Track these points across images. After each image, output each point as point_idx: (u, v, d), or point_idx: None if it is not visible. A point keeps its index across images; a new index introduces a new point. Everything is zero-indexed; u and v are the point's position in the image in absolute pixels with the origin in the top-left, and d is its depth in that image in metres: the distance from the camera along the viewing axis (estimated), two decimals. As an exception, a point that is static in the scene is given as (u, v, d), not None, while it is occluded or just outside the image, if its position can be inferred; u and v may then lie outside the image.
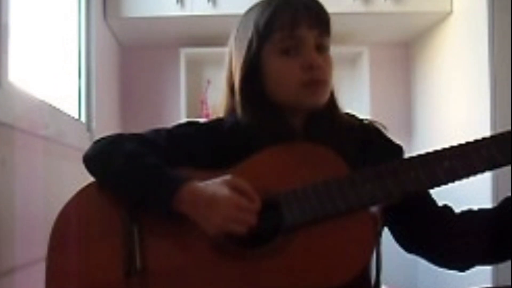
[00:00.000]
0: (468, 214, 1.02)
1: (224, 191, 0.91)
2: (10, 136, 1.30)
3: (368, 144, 1.06)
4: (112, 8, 2.48)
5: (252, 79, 1.03)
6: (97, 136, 2.28)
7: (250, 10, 1.08)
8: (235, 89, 1.06)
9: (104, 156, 1.00)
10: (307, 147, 1.00)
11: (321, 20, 1.03)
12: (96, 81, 2.30)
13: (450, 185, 0.94)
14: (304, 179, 0.95)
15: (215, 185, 0.92)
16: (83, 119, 2.23)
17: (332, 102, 1.07)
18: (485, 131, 2.12)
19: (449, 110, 2.58)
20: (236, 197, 0.91)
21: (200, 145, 1.03)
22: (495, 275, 2.04)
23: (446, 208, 1.05)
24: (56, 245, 0.96)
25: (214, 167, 0.98)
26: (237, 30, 1.09)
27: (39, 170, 1.47)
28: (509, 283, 1.97)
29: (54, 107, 1.75)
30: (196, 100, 2.86)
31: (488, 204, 2.06)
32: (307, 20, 1.00)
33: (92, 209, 0.99)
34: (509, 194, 0.98)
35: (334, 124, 1.05)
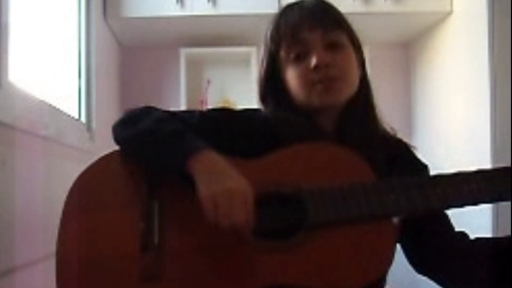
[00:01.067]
0: (483, 242, 1.02)
1: (243, 178, 0.88)
2: (10, 136, 1.30)
3: (396, 158, 1.06)
4: (112, 8, 2.48)
5: (275, 89, 1.05)
6: (97, 136, 2.28)
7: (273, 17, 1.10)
8: (259, 98, 1.09)
9: (130, 121, 0.99)
10: (336, 149, 0.99)
11: (324, 18, 1.02)
12: (96, 81, 2.30)
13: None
14: (329, 179, 0.94)
15: (236, 170, 0.89)
16: (83, 119, 2.23)
17: (366, 106, 1.06)
18: (485, 131, 2.12)
19: (449, 110, 2.58)
20: (249, 190, 0.86)
21: (230, 132, 1.02)
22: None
23: (463, 235, 1.05)
24: (71, 210, 0.94)
25: (241, 155, 0.96)
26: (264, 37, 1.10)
27: (39, 170, 1.47)
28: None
29: (54, 107, 1.75)
30: (196, 100, 2.86)
31: (488, 223, 2.06)
32: (309, 22, 1.00)
33: (112, 178, 0.97)
34: (509, 212, 0.98)
35: (366, 130, 1.04)
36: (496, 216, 2.05)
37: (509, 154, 1.98)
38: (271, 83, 1.06)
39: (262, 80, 1.07)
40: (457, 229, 1.06)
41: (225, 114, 1.06)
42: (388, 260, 0.90)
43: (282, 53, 1.03)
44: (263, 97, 1.08)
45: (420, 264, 1.06)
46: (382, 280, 0.99)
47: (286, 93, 1.04)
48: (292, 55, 1.02)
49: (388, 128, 1.09)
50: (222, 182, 0.85)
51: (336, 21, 1.03)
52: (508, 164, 0.96)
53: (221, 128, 1.02)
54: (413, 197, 0.92)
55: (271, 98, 1.07)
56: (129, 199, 0.95)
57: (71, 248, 0.91)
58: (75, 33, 2.22)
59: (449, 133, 2.54)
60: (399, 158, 1.07)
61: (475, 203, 0.93)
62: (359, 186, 0.93)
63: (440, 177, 0.95)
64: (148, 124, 0.96)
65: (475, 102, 2.29)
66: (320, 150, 0.99)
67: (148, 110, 1.01)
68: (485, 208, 2.01)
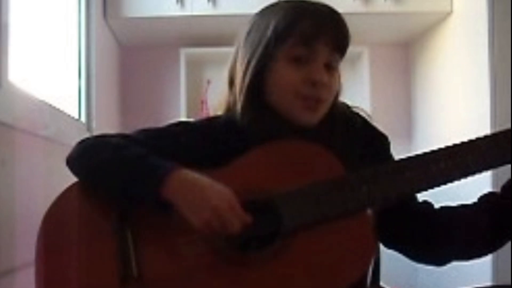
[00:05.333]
0: (447, 209, 1.02)
1: (218, 186, 0.89)
2: (10, 136, 1.30)
3: (354, 134, 1.06)
4: (112, 8, 2.48)
5: (260, 79, 1.01)
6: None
7: (267, 10, 1.05)
8: (237, 87, 1.04)
9: (89, 153, 0.97)
10: (300, 145, 0.98)
11: (339, 40, 1.01)
12: (96, 81, 2.30)
13: (450, 184, 0.94)
14: (299, 179, 0.93)
15: (207, 179, 0.90)
16: (83, 119, 2.23)
17: (333, 104, 1.05)
18: (485, 131, 2.10)
19: (449, 110, 2.58)
20: (229, 193, 0.88)
21: (190, 144, 1.00)
22: (495, 275, 2.04)
23: (426, 204, 1.06)
24: (45, 249, 0.92)
25: (205, 166, 0.95)
26: (251, 28, 1.05)
27: (39, 170, 1.47)
28: (509, 283, 1.97)
29: (54, 107, 1.75)
30: (196, 100, 2.85)
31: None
32: (326, 37, 0.98)
33: (80, 212, 0.95)
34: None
35: (332, 125, 1.04)
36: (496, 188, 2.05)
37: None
38: (262, 70, 1.01)
39: (259, 63, 1.01)
40: (458, 200, 1.05)
41: (183, 127, 1.05)
42: (372, 250, 0.89)
43: (286, 46, 0.99)
44: (250, 82, 1.01)
45: (386, 239, 1.04)
46: (365, 275, 0.99)
47: (267, 85, 1.01)
48: (293, 54, 0.99)
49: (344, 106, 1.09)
50: (205, 205, 0.86)
51: (345, 47, 1.02)
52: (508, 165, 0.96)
53: (180, 141, 1.00)
54: (385, 186, 0.92)
55: (254, 84, 1.01)
56: (100, 232, 0.92)
57: None
58: (75, 33, 2.22)
59: (449, 133, 2.54)
60: (358, 134, 1.06)
61: (445, 182, 0.92)
62: (329, 183, 0.92)
63: (408, 160, 0.94)
64: (108, 153, 0.94)
65: (475, 102, 2.29)
66: (286, 149, 0.98)
67: (103, 139, 0.99)
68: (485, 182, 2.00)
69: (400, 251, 1.05)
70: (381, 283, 1.05)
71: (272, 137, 0.99)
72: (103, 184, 0.95)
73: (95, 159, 0.95)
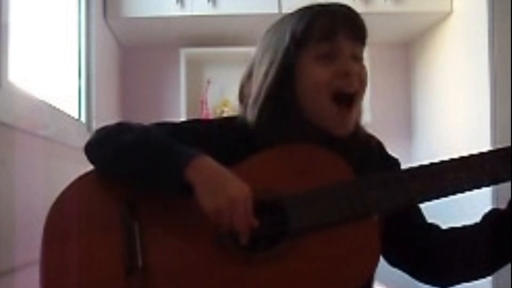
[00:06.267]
0: (454, 231, 1.02)
1: (240, 181, 0.88)
2: (10, 136, 1.30)
3: (370, 153, 1.06)
4: (112, 8, 2.48)
5: (284, 87, 0.99)
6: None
7: (284, 18, 1.04)
8: (253, 96, 1.02)
9: (107, 138, 0.96)
10: (313, 150, 0.98)
11: (358, 31, 1.01)
12: (96, 81, 2.30)
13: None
14: (309, 182, 0.93)
15: (231, 173, 0.89)
16: (83, 119, 2.24)
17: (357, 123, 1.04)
18: (485, 131, 2.13)
19: (449, 110, 2.58)
20: (248, 191, 0.87)
21: (205, 142, 0.99)
22: (495, 278, 2.04)
23: (433, 225, 1.05)
24: (51, 239, 0.92)
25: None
26: (268, 39, 1.04)
27: (39, 170, 1.47)
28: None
29: (54, 107, 1.75)
30: (196, 100, 2.86)
31: (488, 208, 2.06)
32: (345, 30, 0.98)
33: (89, 201, 0.95)
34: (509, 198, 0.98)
35: (352, 139, 1.02)
36: (496, 203, 2.05)
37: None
38: (286, 77, 0.99)
39: (280, 71, 0.99)
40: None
41: (198, 125, 1.05)
42: (377, 256, 0.89)
43: (307, 48, 0.98)
44: (273, 91, 0.99)
45: (392, 257, 1.04)
46: (371, 280, 0.99)
47: (294, 92, 0.99)
48: (317, 53, 0.98)
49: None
50: (223, 192, 0.85)
51: (365, 37, 1.03)
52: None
53: (195, 139, 0.99)
54: (394, 192, 0.92)
55: (279, 93, 0.99)
56: (108, 222, 0.93)
57: (54, 279, 0.90)
58: (75, 33, 2.22)
59: (449, 133, 2.54)
60: (373, 156, 1.06)
61: (454, 193, 0.92)
62: (339, 187, 0.92)
63: (418, 169, 0.94)
64: (130, 137, 0.93)
65: (475, 102, 2.29)
66: (300, 151, 0.98)
67: (122, 126, 0.98)
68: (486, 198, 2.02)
69: (405, 270, 1.05)
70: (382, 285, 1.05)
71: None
72: (124, 166, 0.94)
73: (118, 140, 0.94)
